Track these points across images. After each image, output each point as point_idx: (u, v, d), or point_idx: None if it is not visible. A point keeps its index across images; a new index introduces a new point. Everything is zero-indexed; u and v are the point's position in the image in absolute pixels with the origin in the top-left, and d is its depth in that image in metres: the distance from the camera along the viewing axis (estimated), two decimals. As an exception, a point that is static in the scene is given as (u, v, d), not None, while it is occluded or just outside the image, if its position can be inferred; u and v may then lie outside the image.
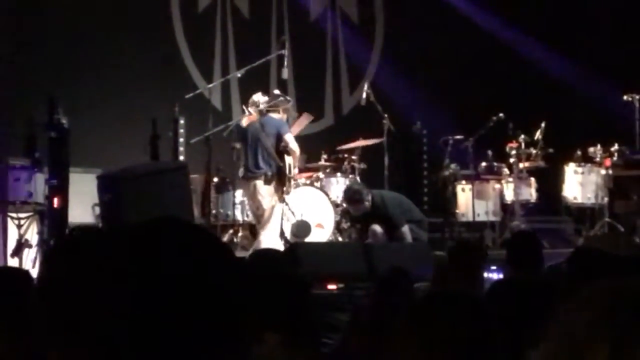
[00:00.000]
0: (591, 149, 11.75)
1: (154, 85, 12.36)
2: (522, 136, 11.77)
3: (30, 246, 8.92)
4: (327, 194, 10.92)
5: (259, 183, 9.91)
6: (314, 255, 9.06)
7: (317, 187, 11.02)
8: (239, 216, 11.08)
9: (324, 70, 14.39)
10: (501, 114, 11.64)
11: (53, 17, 11.76)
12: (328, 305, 7.03)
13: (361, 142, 11.59)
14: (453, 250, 5.65)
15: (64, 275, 1.30)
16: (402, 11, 14.28)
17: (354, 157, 11.56)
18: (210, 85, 11.11)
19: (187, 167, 10.33)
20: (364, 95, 11.61)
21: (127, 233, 1.33)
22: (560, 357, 1.28)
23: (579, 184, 11.74)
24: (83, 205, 9.95)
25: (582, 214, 12.11)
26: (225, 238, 10.87)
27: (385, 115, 11.47)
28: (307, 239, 10.45)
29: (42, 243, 8.86)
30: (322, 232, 10.69)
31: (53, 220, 8.97)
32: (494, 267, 7.14)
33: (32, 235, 9.03)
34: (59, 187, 9.09)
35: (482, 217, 11.96)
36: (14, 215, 8.98)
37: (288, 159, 9.98)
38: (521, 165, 11.81)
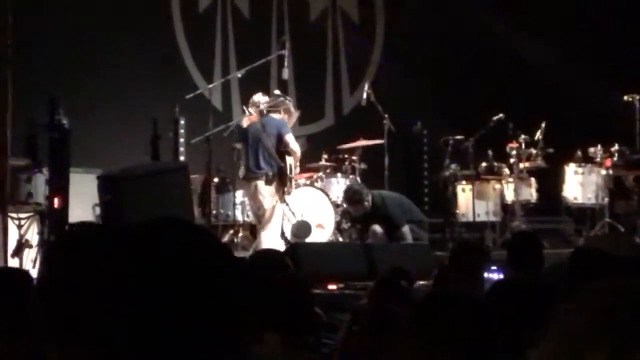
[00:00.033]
0: (591, 149, 11.75)
1: (154, 85, 12.36)
2: (523, 136, 11.78)
3: (30, 246, 8.92)
4: (327, 195, 10.92)
5: (260, 183, 9.91)
6: (315, 256, 9.06)
7: (317, 188, 11.02)
8: (239, 216, 11.08)
9: (325, 71, 14.39)
10: (501, 114, 11.64)
11: (53, 17, 11.75)
12: (328, 305, 7.02)
13: (361, 142, 11.59)
14: (454, 251, 5.65)
15: (64, 275, 1.30)
16: (402, 11, 14.28)
17: (354, 158, 11.56)
18: (211, 86, 11.10)
19: (187, 167, 10.33)
20: (365, 95, 11.61)
21: (127, 233, 1.33)
22: (560, 357, 1.28)
23: (580, 184, 11.74)
24: (83, 205, 9.94)
25: (583, 214, 12.11)
26: (226, 238, 10.88)
27: (386, 116, 11.46)
28: (308, 239, 10.45)
29: (42, 243, 8.85)
30: (322, 232, 10.70)
31: (53, 220, 8.96)
32: (494, 268, 7.13)
33: (33, 236, 9.03)
34: (60, 188, 9.08)
35: (482, 218, 11.96)
36: (14, 215, 8.97)
37: (289, 159, 9.98)
38: (521, 165, 11.81)
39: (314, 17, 14.30)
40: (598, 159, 11.70)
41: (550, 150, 11.81)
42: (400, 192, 11.34)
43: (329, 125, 14.08)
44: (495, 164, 12.01)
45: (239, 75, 10.89)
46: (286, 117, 10.25)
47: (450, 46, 14.05)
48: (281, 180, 9.94)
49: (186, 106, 11.22)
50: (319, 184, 11.14)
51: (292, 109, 10.42)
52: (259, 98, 10.30)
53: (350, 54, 14.46)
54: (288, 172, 9.94)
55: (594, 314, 1.28)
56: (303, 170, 11.13)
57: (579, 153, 11.81)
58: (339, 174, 11.45)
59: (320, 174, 11.38)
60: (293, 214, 10.51)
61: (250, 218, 10.82)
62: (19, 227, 8.98)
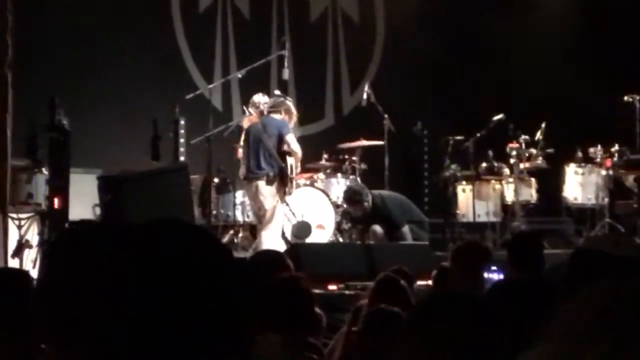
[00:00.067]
0: (591, 150, 11.74)
1: (154, 85, 12.36)
2: (523, 136, 11.77)
3: (30, 247, 8.92)
4: (327, 195, 10.92)
5: (261, 184, 9.92)
6: (315, 256, 9.07)
7: (317, 188, 11.01)
8: (239, 217, 11.08)
9: (325, 71, 14.39)
10: (501, 115, 11.64)
11: (53, 17, 11.75)
12: (328, 306, 7.02)
13: (362, 143, 11.59)
14: (454, 251, 5.66)
15: (64, 275, 1.30)
16: (402, 11, 14.28)
17: (354, 158, 11.56)
18: (211, 86, 11.10)
19: (187, 167, 10.32)
20: (365, 95, 11.61)
21: (127, 233, 1.33)
22: (560, 357, 1.28)
23: (580, 185, 11.74)
24: (84, 206, 9.94)
25: (583, 214, 12.10)
26: (226, 239, 10.87)
27: (386, 116, 11.47)
28: (308, 240, 10.45)
29: (42, 244, 8.86)
30: (322, 232, 10.70)
31: (53, 221, 8.97)
32: (494, 268, 7.13)
33: (33, 236, 9.04)
34: (60, 188, 9.09)
35: (482, 218, 11.95)
36: (14, 215, 8.98)
37: (290, 160, 9.98)
38: (522, 165, 11.81)
39: (314, 17, 14.30)
40: (598, 159, 11.70)
41: (551, 150, 11.81)
42: (400, 193, 11.34)
43: (329, 126, 14.09)
44: (496, 164, 12.00)
45: (239, 76, 10.89)
46: (287, 118, 10.25)
47: (450, 46, 14.04)
48: (282, 181, 9.94)
49: (186, 106, 11.21)
50: (319, 185, 11.14)
51: (293, 109, 10.42)
52: (259, 98, 10.31)
53: (350, 54, 14.46)
54: (289, 172, 9.95)
55: (594, 314, 1.28)
56: (303, 170, 11.13)
57: (579, 153, 11.80)
58: (339, 174, 11.45)
59: (321, 174, 11.38)
60: (293, 214, 10.51)
61: (251, 218, 10.82)
62: (19, 227, 8.99)
